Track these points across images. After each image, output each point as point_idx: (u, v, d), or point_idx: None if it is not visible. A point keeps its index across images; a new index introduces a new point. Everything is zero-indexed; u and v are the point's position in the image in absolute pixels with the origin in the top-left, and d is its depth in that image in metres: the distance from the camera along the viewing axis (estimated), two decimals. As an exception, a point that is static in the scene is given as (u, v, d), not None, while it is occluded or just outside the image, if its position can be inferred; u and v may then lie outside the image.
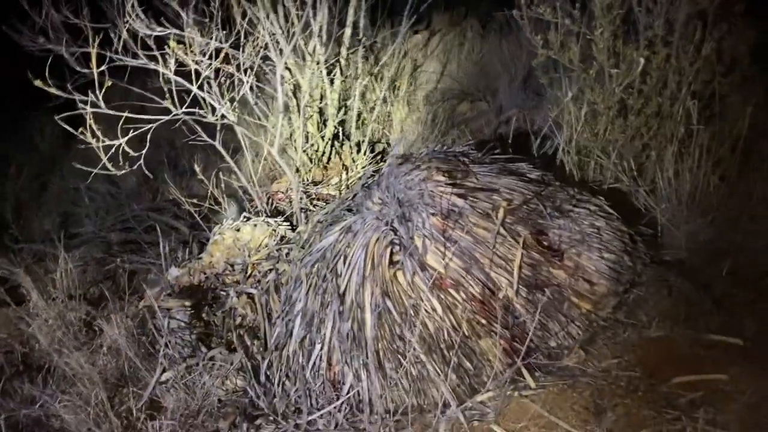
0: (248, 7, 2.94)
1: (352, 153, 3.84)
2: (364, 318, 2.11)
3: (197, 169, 3.21)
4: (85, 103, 2.43)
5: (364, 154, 3.84)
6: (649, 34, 2.55)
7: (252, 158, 3.35)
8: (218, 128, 2.95)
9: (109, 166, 2.47)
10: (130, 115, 2.52)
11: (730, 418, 1.77)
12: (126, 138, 2.49)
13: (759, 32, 2.48)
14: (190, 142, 3.03)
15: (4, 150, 5.19)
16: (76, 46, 2.55)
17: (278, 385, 2.25)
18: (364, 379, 2.06)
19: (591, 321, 2.15)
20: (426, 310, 2.06)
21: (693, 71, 2.50)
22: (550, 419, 1.89)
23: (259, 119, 3.30)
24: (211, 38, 2.65)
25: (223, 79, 2.80)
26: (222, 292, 2.74)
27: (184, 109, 2.67)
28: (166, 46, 2.55)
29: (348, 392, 2.07)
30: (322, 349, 2.19)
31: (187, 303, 2.63)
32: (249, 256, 2.84)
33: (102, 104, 2.44)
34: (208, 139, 2.98)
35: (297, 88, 3.59)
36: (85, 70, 2.42)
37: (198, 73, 2.65)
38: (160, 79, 2.60)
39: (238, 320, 2.58)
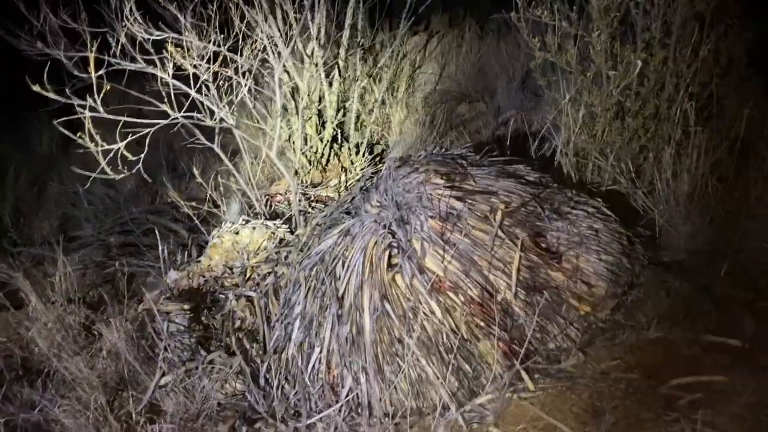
0: (246, 9, 2.94)
1: (350, 155, 3.85)
2: (363, 321, 2.11)
3: (196, 172, 3.21)
4: (84, 107, 2.43)
5: (363, 155, 3.85)
6: (646, 36, 2.55)
7: (251, 161, 3.35)
8: (216, 131, 2.96)
9: (108, 170, 2.48)
10: (129, 119, 2.52)
11: (730, 419, 1.77)
12: (125, 142, 2.49)
13: (756, 34, 2.49)
14: (188, 145, 3.03)
15: (3, 153, 5.19)
16: (74, 50, 2.55)
17: (277, 388, 2.25)
18: (363, 383, 2.06)
19: (589, 323, 2.15)
20: (425, 313, 2.06)
21: (690, 73, 2.51)
22: (549, 421, 1.89)
23: (258, 122, 3.30)
24: (209, 42, 2.65)
25: (221, 82, 2.80)
26: (221, 295, 2.75)
27: (182, 113, 2.67)
28: (164, 50, 2.55)
29: (347, 395, 2.07)
30: (321, 352, 2.19)
31: (186, 306, 2.63)
32: (248, 259, 2.84)
33: (100, 108, 2.44)
34: (206, 142, 2.98)
35: (295, 90, 3.60)
36: (84, 75, 2.42)
37: (196, 77, 2.65)
38: (159, 82, 2.60)
39: (237, 323, 2.58)
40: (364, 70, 3.92)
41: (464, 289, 2.09)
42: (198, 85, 2.66)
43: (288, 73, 3.48)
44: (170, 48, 2.48)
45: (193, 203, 3.30)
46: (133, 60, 2.58)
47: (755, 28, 2.55)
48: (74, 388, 2.25)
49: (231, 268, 2.86)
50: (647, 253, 2.44)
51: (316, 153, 3.74)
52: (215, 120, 2.81)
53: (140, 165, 2.56)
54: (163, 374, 2.32)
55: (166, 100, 2.61)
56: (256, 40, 2.89)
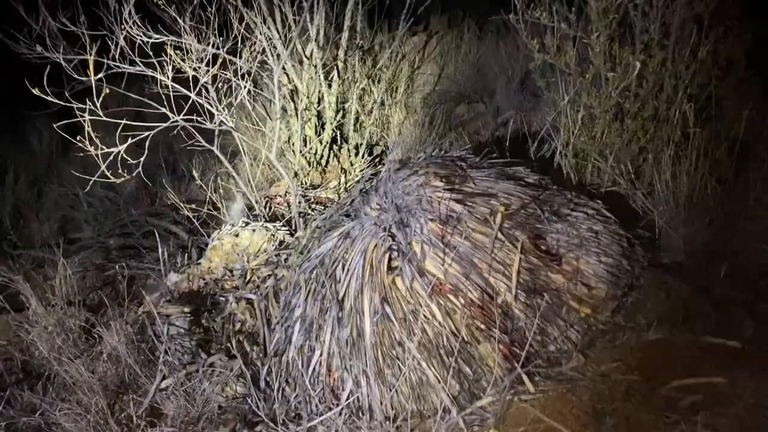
0: (245, 12, 2.94)
1: (350, 156, 3.85)
2: (363, 324, 2.11)
3: (195, 174, 3.21)
4: (83, 110, 2.43)
5: (362, 157, 3.85)
6: (645, 37, 2.55)
7: (250, 162, 3.35)
8: (216, 133, 2.96)
9: (108, 174, 2.48)
10: (129, 122, 2.52)
11: (729, 421, 1.77)
12: (125, 146, 2.49)
13: (755, 35, 2.49)
14: (188, 147, 3.03)
15: (3, 154, 5.19)
16: (73, 53, 2.55)
17: (278, 391, 2.25)
18: (364, 385, 2.06)
19: (590, 325, 2.15)
20: (425, 316, 2.07)
21: (689, 74, 2.51)
22: (550, 424, 1.89)
23: (257, 124, 3.30)
24: (208, 44, 2.65)
25: (221, 84, 2.80)
26: (221, 298, 2.75)
27: (182, 116, 2.67)
28: (163, 53, 2.55)
29: (348, 398, 2.07)
30: (321, 355, 2.19)
31: (187, 309, 2.63)
32: (248, 261, 2.84)
33: (100, 112, 2.44)
34: (206, 145, 2.98)
35: (295, 91, 3.60)
36: (83, 78, 2.42)
37: (196, 80, 2.65)
38: (158, 85, 2.60)
39: (238, 326, 2.58)
40: (363, 71, 3.92)
41: (464, 292, 2.10)
42: (197, 89, 2.66)
43: (287, 74, 3.48)
44: (170, 51, 2.47)
45: (193, 205, 3.30)
46: (133, 63, 2.58)
47: (754, 30, 2.55)
48: (75, 391, 2.25)
49: (231, 271, 2.86)
50: (647, 255, 2.44)
51: (315, 154, 3.74)
52: (215, 123, 2.81)
53: (140, 169, 2.56)
54: (164, 377, 2.32)
55: (165, 102, 2.61)
56: (255, 42, 2.89)
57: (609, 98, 2.71)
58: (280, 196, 3.54)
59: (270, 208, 3.41)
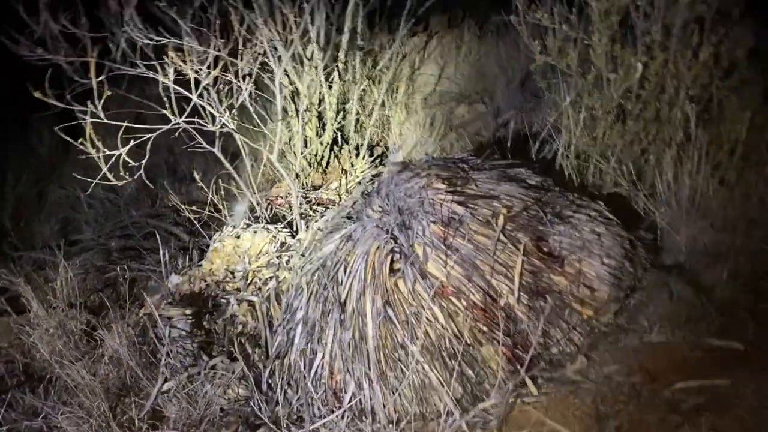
0: (246, 13, 2.94)
1: (350, 157, 3.84)
2: (366, 326, 2.11)
3: (196, 176, 3.21)
4: (84, 113, 2.43)
5: (363, 158, 3.84)
6: (647, 39, 2.54)
7: (251, 164, 3.35)
8: (217, 134, 2.95)
9: (109, 176, 2.47)
10: (130, 124, 2.52)
11: (733, 423, 1.77)
12: (126, 148, 2.49)
13: (756, 36, 2.48)
14: (188, 148, 3.03)
15: (3, 155, 5.18)
16: (74, 55, 2.54)
17: (280, 393, 2.25)
18: (366, 388, 2.06)
19: (592, 327, 2.15)
20: (427, 319, 2.06)
21: (691, 76, 2.50)
22: (553, 426, 1.89)
23: (258, 126, 3.29)
24: (209, 46, 2.65)
25: (222, 86, 2.80)
26: (223, 300, 2.74)
27: (183, 118, 2.66)
28: (164, 55, 2.55)
29: (350, 401, 2.07)
30: (323, 357, 2.19)
31: (188, 311, 2.62)
32: (249, 263, 2.84)
33: (101, 114, 2.44)
34: (207, 146, 2.98)
35: (295, 92, 3.60)
36: (84, 80, 2.41)
37: (197, 82, 2.65)
38: (160, 88, 2.60)
39: (239, 328, 2.58)
40: (364, 72, 3.92)
41: (467, 294, 2.09)
42: (199, 91, 2.66)
43: (288, 76, 3.47)
44: (171, 53, 2.47)
45: (194, 207, 3.30)
46: (134, 65, 2.58)
47: (756, 30, 2.54)
48: (76, 394, 2.25)
49: (232, 273, 2.86)
50: (649, 257, 2.44)
51: (316, 155, 3.74)
52: (217, 125, 2.81)
53: (141, 171, 2.56)
54: (166, 380, 2.31)
55: (167, 104, 2.61)
56: (256, 44, 2.89)
57: (611, 100, 2.71)
58: (281, 197, 3.54)
59: (271, 209, 3.41)
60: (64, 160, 4.89)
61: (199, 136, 2.92)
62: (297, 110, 3.52)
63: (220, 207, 3.30)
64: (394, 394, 2.02)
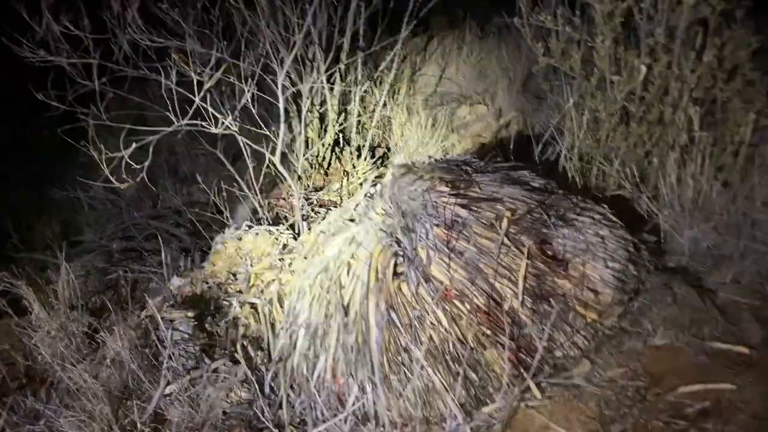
0: (248, 15, 2.93)
1: (352, 158, 3.84)
2: (369, 330, 2.10)
3: (198, 178, 3.20)
4: (86, 114, 2.43)
5: (365, 159, 3.84)
6: (650, 41, 2.54)
7: (253, 165, 3.34)
8: (219, 136, 2.95)
9: (112, 179, 2.47)
10: (133, 126, 2.51)
11: (738, 428, 1.77)
12: (129, 151, 2.48)
13: (760, 38, 2.48)
14: (190, 149, 3.02)
15: (4, 157, 5.17)
16: (76, 56, 2.54)
17: (283, 397, 2.24)
18: (370, 392, 2.05)
19: (596, 330, 2.14)
20: (431, 322, 2.06)
21: (694, 78, 2.49)
22: (557, 430, 1.89)
23: (260, 127, 3.29)
24: (212, 48, 2.64)
25: (224, 87, 2.79)
26: (225, 302, 2.73)
27: (186, 120, 2.66)
28: (166, 57, 2.54)
29: (353, 404, 2.07)
30: (326, 360, 2.18)
31: (190, 314, 2.62)
32: (251, 265, 2.83)
33: (103, 116, 2.43)
34: (209, 148, 2.97)
35: (297, 94, 3.59)
36: (87, 82, 2.41)
37: (200, 84, 2.64)
38: (162, 89, 2.59)
39: (242, 331, 2.57)
40: (365, 73, 3.91)
41: (470, 298, 2.09)
42: (202, 94, 2.65)
43: (290, 77, 3.47)
44: (174, 56, 2.46)
45: (196, 208, 3.29)
46: (136, 67, 2.57)
47: (759, 32, 2.54)
48: (79, 397, 2.24)
49: (234, 275, 2.85)
50: (653, 259, 2.43)
51: (317, 157, 3.74)
52: (219, 128, 2.80)
53: (144, 174, 2.55)
54: (168, 383, 2.31)
55: (169, 106, 2.60)
56: (258, 46, 2.88)
57: (614, 102, 2.70)
58: (283, 198, 3.53)
59: (273, 210, 3.40)
60: (65, 160, 4.88)
61: (201, 138, 2.91)
62: (299, 112, 3.51)
63: (222, 208, 3.29)
64: (397, 398, 2.02)
